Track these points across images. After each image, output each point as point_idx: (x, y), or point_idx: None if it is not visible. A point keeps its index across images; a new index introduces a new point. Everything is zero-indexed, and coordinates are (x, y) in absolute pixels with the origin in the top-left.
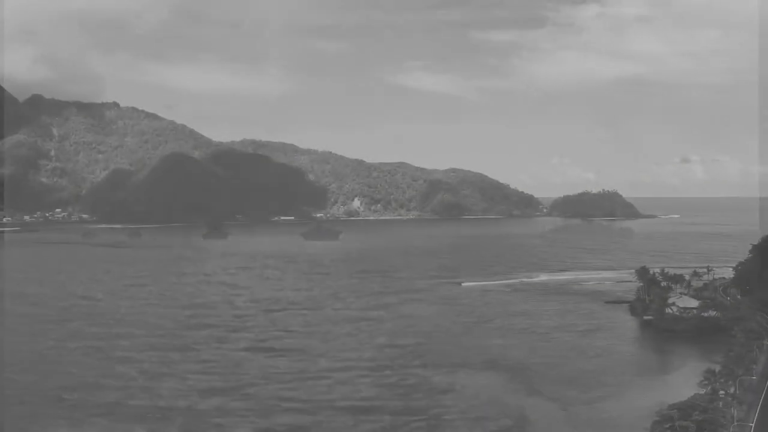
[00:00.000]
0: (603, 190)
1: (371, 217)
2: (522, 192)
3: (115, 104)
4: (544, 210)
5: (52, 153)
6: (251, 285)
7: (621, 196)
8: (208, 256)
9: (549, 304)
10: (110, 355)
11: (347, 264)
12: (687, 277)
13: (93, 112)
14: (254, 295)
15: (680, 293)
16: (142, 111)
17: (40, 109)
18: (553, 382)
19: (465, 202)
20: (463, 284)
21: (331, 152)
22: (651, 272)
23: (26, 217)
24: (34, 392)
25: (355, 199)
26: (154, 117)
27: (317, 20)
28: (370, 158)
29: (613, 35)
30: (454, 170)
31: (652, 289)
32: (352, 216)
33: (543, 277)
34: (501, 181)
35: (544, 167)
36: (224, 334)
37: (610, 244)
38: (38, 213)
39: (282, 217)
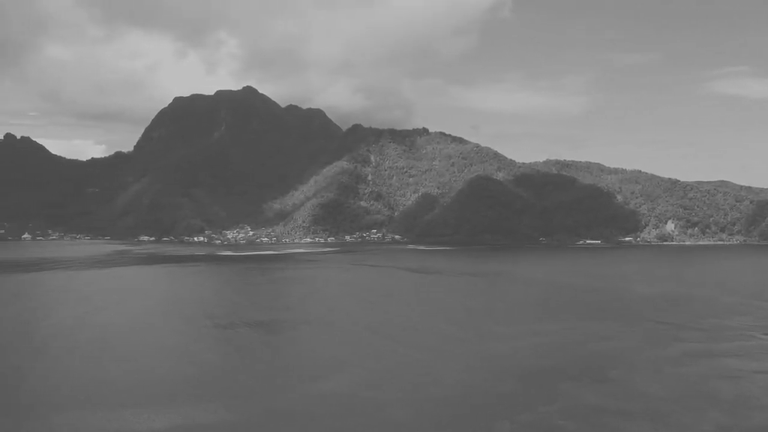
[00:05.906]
0: None
1: (687, 242)
2: None
3: (425, 130)
4: None
5: (369, 178)
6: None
7: None
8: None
9: None
10: None
11: (653, 303)
12: None
13: (404, 138)
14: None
15: None
16: (449, 135)
17: (358, 137)
18: None
19: None
20: None
21: (640, 171)
22: None
23: (347, 237)
24: None
25: (669, 222)
26: (459, 141)
27: (619, 32)
28: (685, 177)
29: None
30: None
31: None
32: (665, 240)
33: None
34: None
35: None
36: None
37: None
38: (357, 233)
39: (588, 241)
